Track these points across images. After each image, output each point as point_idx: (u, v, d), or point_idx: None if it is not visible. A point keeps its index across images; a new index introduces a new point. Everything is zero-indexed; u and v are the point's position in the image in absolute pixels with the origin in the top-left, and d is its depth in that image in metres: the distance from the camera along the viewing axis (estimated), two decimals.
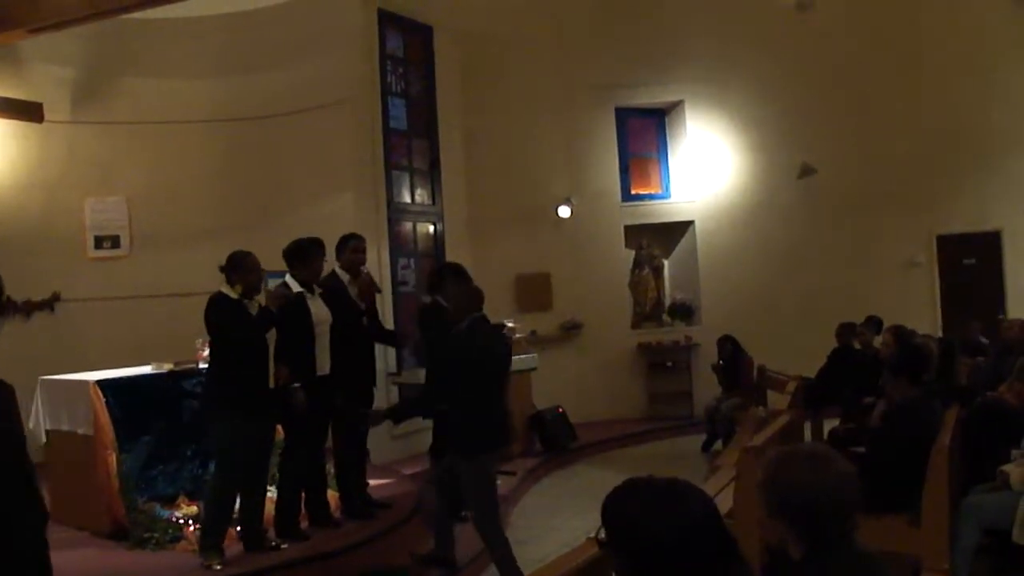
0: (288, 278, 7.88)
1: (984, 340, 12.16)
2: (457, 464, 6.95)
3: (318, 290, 8.10)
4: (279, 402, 7.52)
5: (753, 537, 5.20)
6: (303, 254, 7.98)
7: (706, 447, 12.84)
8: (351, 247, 8.57)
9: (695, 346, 15.47)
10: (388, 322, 11.40)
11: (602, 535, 2.71)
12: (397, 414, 7.95)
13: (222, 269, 7.34)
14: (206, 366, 8.06)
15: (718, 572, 2.55)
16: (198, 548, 7.30)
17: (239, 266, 7.29)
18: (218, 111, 12.62)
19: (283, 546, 7.59)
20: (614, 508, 2.70)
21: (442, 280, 9.10)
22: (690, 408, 15.16)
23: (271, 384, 7.44)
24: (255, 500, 7.55)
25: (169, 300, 11.95)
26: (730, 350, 12.99)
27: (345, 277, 8.49)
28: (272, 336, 7.41)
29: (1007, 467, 6.33)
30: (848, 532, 3.03)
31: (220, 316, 7.21)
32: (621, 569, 2.69)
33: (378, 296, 9.46)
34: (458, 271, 9.26)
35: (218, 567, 7.08)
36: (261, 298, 7.48)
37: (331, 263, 8.54)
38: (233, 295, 7.25)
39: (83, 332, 12.04)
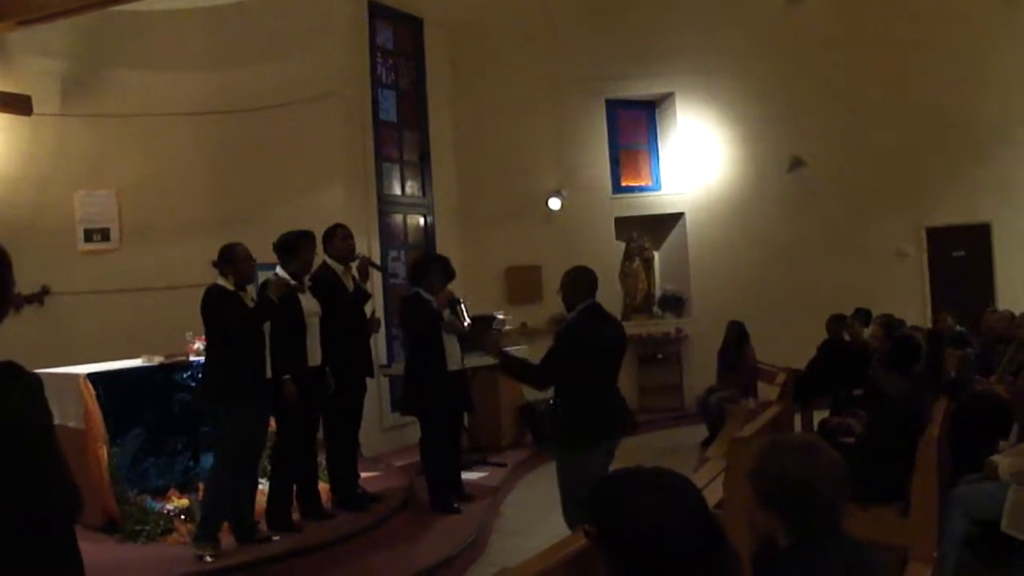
0: (279, 271, 7.89)
1: (960, 329, 12.20)
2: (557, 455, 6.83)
3: (307, 283, 8.11)
4: (272, 394, 7.55)
5: (743, 527, 5.22)
6: (293, 247, 8.00)
7: (708, 443, 12.68)
8: (339, 236, 8.60)
9: (685, 338, 15.51)
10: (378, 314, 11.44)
11: (588, 528, 2.72)
12: (507, 362, 7.09)
13: (215, 264, 7.38)
14: (202, 359, 8.08)
15: (706, 560, 2.56)
16: (192, 539, 7.32)
17: (230, 257, 7.34)
18: (208, 104, 12.59)
19: (275, 538, 7.62)
20: (601, 499, 2.71)
21: (425, 272, 9.08)
22: (680, 400, 15.20)
23: (268, 374, 7.49)
24: (247, 492, 7.57)
25: (159, 293, 11.95)
26: (736, 334, 12.90)
27: (338, 268, 8.51)
28: (267, 327, 7.44)
29: (996, 457, 6.36)
30: (836, 521, 3.04)
31: (218, 308, 7.25)
32: (609, 560, 2.70)
33: (371, 284, 9.47)
34: (442, 263, 9.25)
35: (209, 558, 7.09)
36: (253, 289, 7.53)
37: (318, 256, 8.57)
38: (229, 286, 7.29)
39: (73, 325, 12.02)
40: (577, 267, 6.99)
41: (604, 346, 6.78)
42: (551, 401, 12.07)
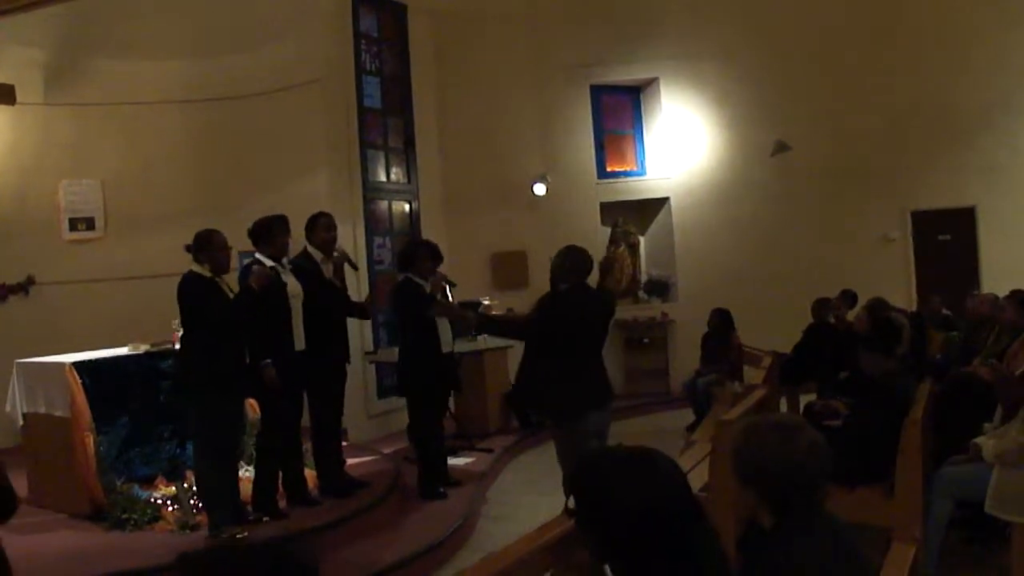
0: (258, 257, 7.89)
1: (946, 312, 12.24)
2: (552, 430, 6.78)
3: (288, 265, 8.13)
4: (252, 379, 7.55)
5: (729, 510, 5.24)
6: (267, 231, 8.02)
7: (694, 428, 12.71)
8: (321, 225, 8.59)
9: (671, 322, 15.53)
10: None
11: (571, 504, 2.73)
12: (484, 326, 7.49)
13: (188, 248, 7.35)
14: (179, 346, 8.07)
15: (685, 537, 2.58)
16: (210, 534, 7.32)
17: (207, 245, 7.31)
18: (192, 91, 12.59)
19: (264, 519, 7.65)
20: (583, 476, 2.73)
21: (413, 257, 9.09)
22: (667, 384, 15.23)
23: (246, 361, 7.50)
24: (232, 477, 7.58)
25: (144, 281, 11.93)
26: (717, 322, 12.94)
27: (318, 256, 8.50)
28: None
29: (980, 439, 6.39)
30: (818, 501, 3.06)
31: (194, 296, 7.23)
32: (590, 536, 2.71)
33: (356, 275, 9.49)
34: (430, 248, 9.27)
35: (240, 535, 7.21)
36: (230, 278, 7.52)
37: (300, 242, 8.59)
38: (206, 273, 7.27)
39: (59, 315, 12.01)
40: (571, 248, 6.98)
41: (581, 319, 6.81)
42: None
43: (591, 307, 6.94)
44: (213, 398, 7.21)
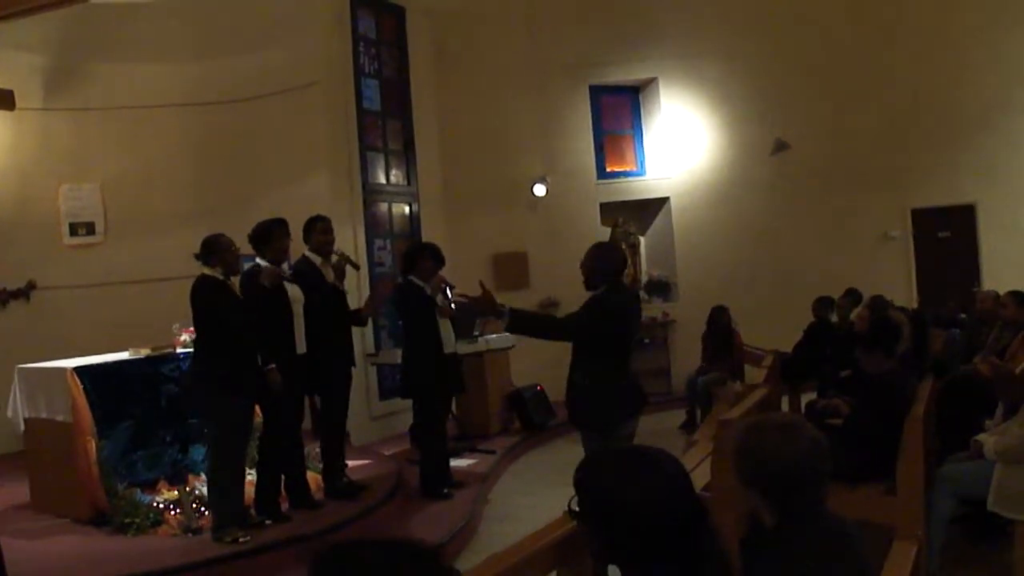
0: (259, 261, 7.90)
1: (963, 316, 12.22)
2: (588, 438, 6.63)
3: (288, 271, 8.14)
4: (257, 383, 7.57)
5: (730, 510, 5.23)
6: (267, 235, 8.03)
7: (686, 426, 12.71)
8: (319, 229, 8.60)
9: (672, 322, 15.53)
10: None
11: (574, 505, 2.73)
12: (520, 320, 6.68)
13: (197, 256, 7.38)
14: (191, 350, 8.07)
15: (686, 536, 2.57)
16: (213, 537, 7.32)
17: (216, 248, 7.36)
18: (191, 95, 12.57)
19: (267, 522, 7.65)
20: (587, 476, 2.72)
21: (416, 260, 9.11)
22: (668, 384, 15.22)
23: (258, 363, 7.53)
24: (238, 480, 7.59)
25: (145, 286, 11.95)
26: (718, 321, 12.92)
27: (317, 260, 8.51)
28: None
29: (981, 436, 6.39)
30: (819, 500, 3.06)
31: (208, 298, 7.26)
32: (593, 537, 2.71)
33: (356, 277, 9.48)
34: (433, 251, 9.28)
35: (242, 540, 7.20)
36: (235, 280, 7.54)
37: (300, 245, 8.59)
38: (219, 276, 7.30)
39: (60, 320, 11.99)
40: (605, 244, 6.96)
41: (631, 321, 6.80)
42: (538, 388, 12.17)
43: (633, 306, 6.90)
44: (226, 400, 7.25)
